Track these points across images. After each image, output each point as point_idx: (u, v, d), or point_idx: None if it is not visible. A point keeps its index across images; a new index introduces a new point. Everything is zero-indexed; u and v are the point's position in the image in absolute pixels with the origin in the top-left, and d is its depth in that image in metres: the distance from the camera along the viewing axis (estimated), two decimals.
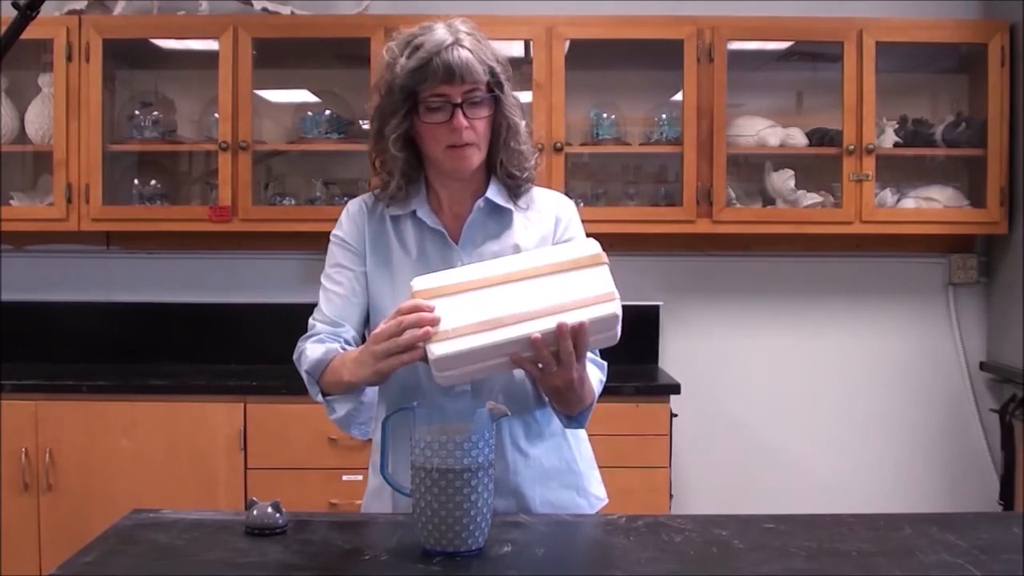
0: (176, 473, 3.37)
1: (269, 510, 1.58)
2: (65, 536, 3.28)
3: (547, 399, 1.77)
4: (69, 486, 3.37)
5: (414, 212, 1.82)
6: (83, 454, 3.37)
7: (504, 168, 1.82)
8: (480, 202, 1.82)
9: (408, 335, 1.56)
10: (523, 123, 1.82)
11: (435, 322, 1.56)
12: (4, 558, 3.30)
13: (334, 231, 1.88)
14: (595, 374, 1.79)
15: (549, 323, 1.55)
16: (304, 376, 1.79)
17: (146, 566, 1.45)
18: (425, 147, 1.78)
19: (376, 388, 1.78)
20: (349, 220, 1.87)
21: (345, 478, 3.35)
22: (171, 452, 3.38)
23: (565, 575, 1.47)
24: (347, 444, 3.36)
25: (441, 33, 1.72)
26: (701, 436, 3.87)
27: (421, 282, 1.61)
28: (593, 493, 1.90)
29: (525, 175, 1.83)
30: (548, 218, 1.86)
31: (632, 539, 1.60)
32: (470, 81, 1.72)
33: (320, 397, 1.77)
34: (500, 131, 1.79)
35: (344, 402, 1.74)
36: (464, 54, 1.70)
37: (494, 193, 1.83)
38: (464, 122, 1.72)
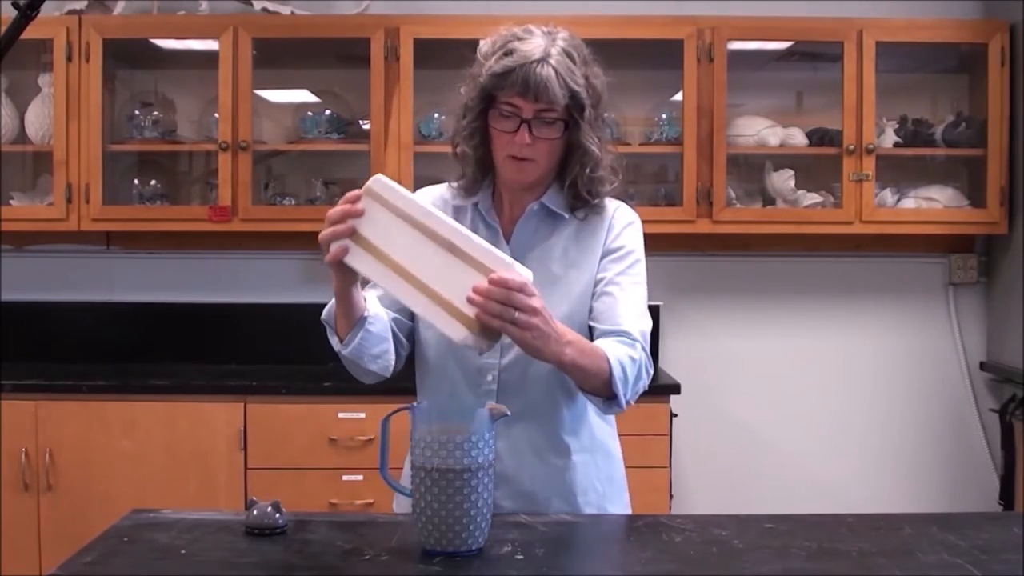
0: (176, 473, 3.37)
1: (269, 510, 1.58)
2: (65, 536, 3.27)
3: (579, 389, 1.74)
4: (69, 486, 3.37)
5: (475, 204, 1.85)
6: (83, 454, 3.37)
7: (573, 188, 1.82)
8: (534, 205, 1.83)
9: (340, 211, 1.60)
10: (601, 151, 1.79)
11: (359, 213, 1.58)
12: (4, 558, 3.30)
13: None
14: (621, 349, 1.71)
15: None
16: (327, 329, 1.77)
17: (146, 566, 1.45)
18: (492, 147, 1.80)
19: (387, 324, 1.78)
20: None
21: (345, 478, 3.35)
22: (171, 452, 3.38)
23: (565, 575, 1.47)
24: (347, 444, 3.36)
25: (534, 44, 1.72)
26: (701, 436, 3.87)
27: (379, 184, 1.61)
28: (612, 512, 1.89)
29: (595, 200, 1.83)
30: (601, 226, 1.85)
31: (632, 539, 1.61)
32: (544, 101, 1.71)
33: (335, 340, 1.75)
34: (574, 153, 1.79)
35: (353, 333, 1.72)
36: (546, 73, 1.69)
37: (551, 199, 1.84)
38: (527, 138, 1.73)
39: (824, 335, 3.96)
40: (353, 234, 1.59)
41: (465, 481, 1.46)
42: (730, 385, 3.95)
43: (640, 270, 1.84)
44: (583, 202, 1.83)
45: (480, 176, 1.84)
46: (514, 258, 1.78)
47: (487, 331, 1.54)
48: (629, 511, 1.93)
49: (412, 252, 1.56)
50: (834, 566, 1.47)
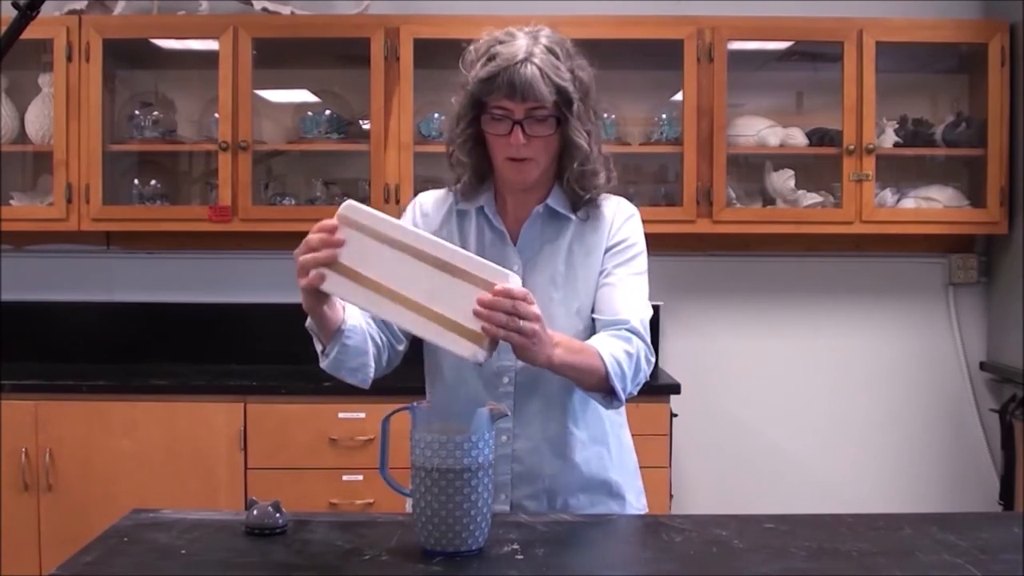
0: (176, 473, 3.37)
1: (269, 510, 1.58)
2: (65, 536, 3.27)
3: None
4: (69, 486, 3.37)
5: (480, 208, 1.86)
6: (83, 454, 3.37)
7: (570, 184, 1.83)
8: (539, 207, 1.85)
9: (318, 239, 1.57)
10: (589, 144, 1.79)
11: (340, 243, 1.56)
12: (4, 558, 3.30)
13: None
14: (615, 344, 1.74)
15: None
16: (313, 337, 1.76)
17: (146, 566, 1.45)
18: (490, 153, 1.81)
19: (366, 334, 1.76)
20: (411, 211, 1.91)
21: (345, 478, 3.35)
22: (171, 452, 3.38)
23: (565, 575, 1.47)
24: (347, 444, 3.36)
25: (517, 45, 1.73)
26: (701, 436, 3.87)
27: (350, 210, 1.59)
28: (628, 502, 1.91)
29: (587, 195, 1.84)
30: (603, 223, 1.87)
31: (632, 539, 1.61)
32: (532, 99, 1.72)
33: (318, 347, 1.74)
34: (567, 149, 1.80)
35: (332, 345, 1.71)
36: (531, 72, 1.71)
37: (555, 200, 1.85)
38: (521, 139, 1.74)
39: (824, 335, 3.96)
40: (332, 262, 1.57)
41: (465, 481, 1.46)
42: (730, 385, 3.95)
43: (640, 262, 1.87)
44: (580, 199, 1.85)
45: (478, 182, 1.85)
46: (522, 260, 1.82)
47: (490, 342, 1.55)
48: (644, 498, 1.97)
49: (400, 274, 1.55)
50: (834, 566, 1.47)
